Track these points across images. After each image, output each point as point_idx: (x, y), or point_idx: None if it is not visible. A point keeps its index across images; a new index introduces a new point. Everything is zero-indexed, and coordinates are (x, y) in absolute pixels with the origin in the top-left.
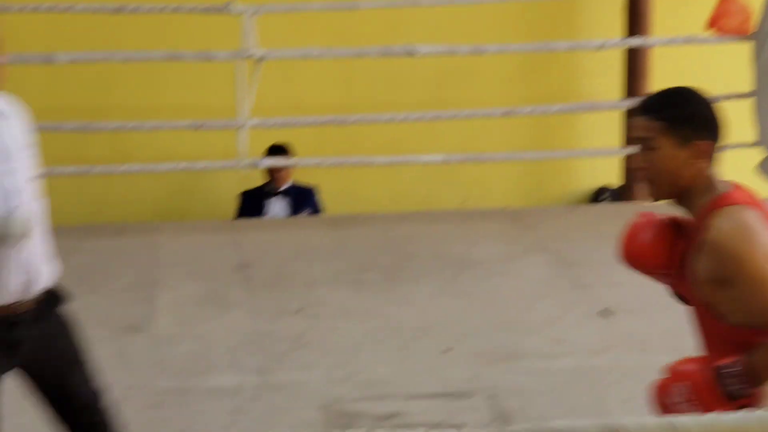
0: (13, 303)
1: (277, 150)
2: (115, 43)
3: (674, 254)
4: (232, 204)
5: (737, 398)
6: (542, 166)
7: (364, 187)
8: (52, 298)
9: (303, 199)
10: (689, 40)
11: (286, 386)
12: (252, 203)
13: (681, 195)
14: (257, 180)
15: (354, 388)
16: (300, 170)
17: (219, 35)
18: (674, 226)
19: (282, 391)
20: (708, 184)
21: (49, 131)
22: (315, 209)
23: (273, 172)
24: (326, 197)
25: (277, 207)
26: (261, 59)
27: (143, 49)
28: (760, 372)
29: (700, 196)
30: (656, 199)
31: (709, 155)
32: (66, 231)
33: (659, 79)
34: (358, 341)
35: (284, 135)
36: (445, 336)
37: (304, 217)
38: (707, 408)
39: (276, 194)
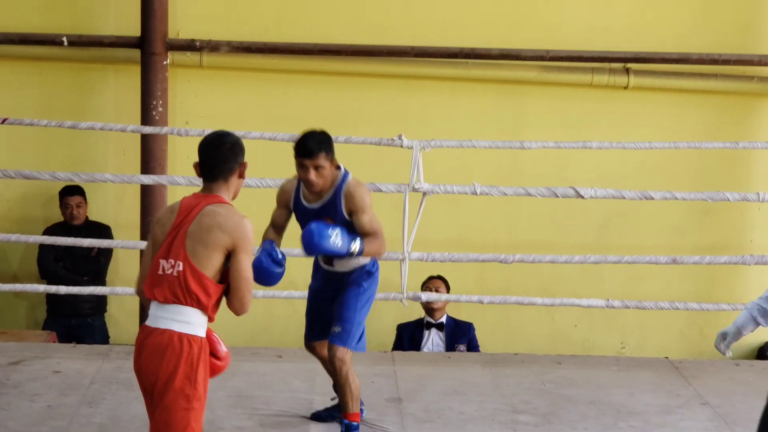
0: None
1: None
2: None
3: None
4: (390, 335)
5: None
6: (705, 317)
7: (521, 326)
8: None
9: (459, 334)
10: None
11: None
12: (409, 335)
13: None
14: (414, 312)
15: None
16: (457, 305)
17: (386, 167)
18: None
19: None
20: None
21: None
22: (471, 345)
23: (430, 305)
24: (482, 333)
25: (433, 340)
26: (427, 193)
27: None
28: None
29: None
30: None
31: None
32: None
33: None
34: None
35: (445, 269)
36: None
37: (460, 353)
38: None
39: (432, 327)
